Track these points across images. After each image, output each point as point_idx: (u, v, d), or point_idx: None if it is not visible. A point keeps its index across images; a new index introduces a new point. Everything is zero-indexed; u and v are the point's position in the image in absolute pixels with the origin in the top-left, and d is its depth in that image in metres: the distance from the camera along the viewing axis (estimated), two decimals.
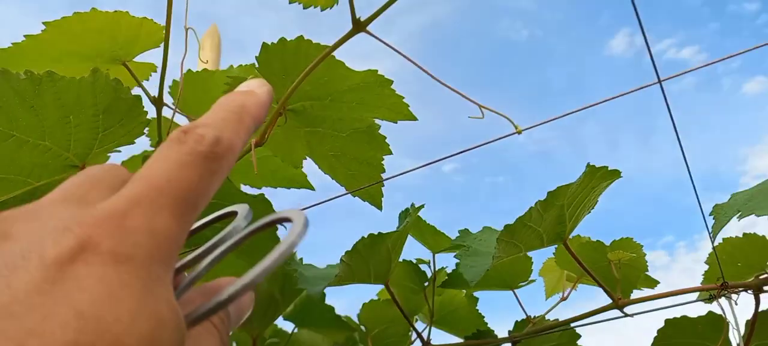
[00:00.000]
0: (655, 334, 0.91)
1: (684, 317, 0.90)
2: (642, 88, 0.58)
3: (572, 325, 0.97)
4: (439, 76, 0.55)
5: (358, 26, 0.45)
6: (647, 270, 0.98)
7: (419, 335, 1.03)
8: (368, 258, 0.92)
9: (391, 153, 0.72)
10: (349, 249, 0.88)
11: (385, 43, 0.44)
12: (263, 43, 0.58)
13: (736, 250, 0.88)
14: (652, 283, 0.99)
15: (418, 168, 0.74)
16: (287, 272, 0.96)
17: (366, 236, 0.89)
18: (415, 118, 0.61)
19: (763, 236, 0.87)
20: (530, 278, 1.08)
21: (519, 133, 0.57)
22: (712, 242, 0.79)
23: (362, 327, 1.14)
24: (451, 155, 0.69)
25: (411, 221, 0.91)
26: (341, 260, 0.89)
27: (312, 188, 0.96)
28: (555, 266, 1.12)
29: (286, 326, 1.14)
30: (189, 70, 0.80)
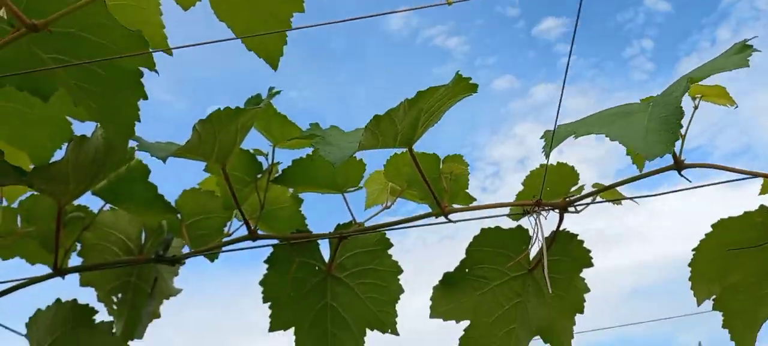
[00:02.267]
0: (471, 240, 1.01)
1: (497, 228, 1.01)
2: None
3: (399, 227, 1.03)
4: None
5: None
6: (467, 188, 1.08)
7: (247, 224, 1.00)
8: (218, 132, 0.86)
9: (303, 10, 0.68)
10: (204, 118, 0.82)
11: None
12: None
13: (548, 175, 1.01)
14: (470, 199, 1.09)
15: None
16: (106, 139, 0.86)
17: (222, 108, 0.84)
18: None
19: (572, 167, 1.02)
20: (359, 185, 1.11)
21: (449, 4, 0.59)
22: (547, 160, 0.89)
23: (178, 215, 1.07)
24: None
25: (267, 102, 0.88)
26: (194, 127, 0.82)
27: (170, 52, 0.86)
28: (380, 177, 1.17)
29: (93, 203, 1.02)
30: None
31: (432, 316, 1.03)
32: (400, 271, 1.12)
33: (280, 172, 1.06)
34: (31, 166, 0.95)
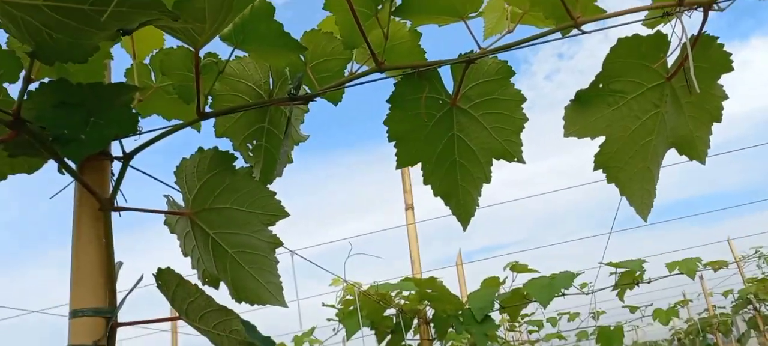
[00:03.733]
0: (608, 52, 0.97)
1: (635, 36, 0.96)
2: None
3: (528, 44, 1.00)
4: None
5: None
6: (597, 0, 1.03)
7: (374, 56, 1.00)
8: None
9: None
10: None
11: None
12: None
13: None
14: (599, 11, 1.04)
15: None
16: None
17: None
18: None
19: None
20: (480, 10, 1.07)
21: None
22: None
23: (301, 57, 1.08)
24: None
25: None
26: None
27: None
28: (499, 4, 1.13)
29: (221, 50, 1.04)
30: None
31: (566, 135, 1.01)
32: (524, 99, 1.10)
33: (399, 2, 1.04)
34: None
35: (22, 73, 0.94)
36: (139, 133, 1.02)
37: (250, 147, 1.16)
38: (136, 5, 0.74)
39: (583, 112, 1.00)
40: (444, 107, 1.10)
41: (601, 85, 0.99)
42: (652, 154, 1.01)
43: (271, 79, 1.10)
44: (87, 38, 0.80)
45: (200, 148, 1.10)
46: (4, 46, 0.93)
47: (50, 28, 0.77)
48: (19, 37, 0.80)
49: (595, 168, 1.01)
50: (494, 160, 1.15)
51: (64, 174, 1.00)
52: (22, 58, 0.94)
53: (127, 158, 1.00)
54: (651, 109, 1.00)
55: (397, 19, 1.08)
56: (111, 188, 1.02)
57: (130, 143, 1.05)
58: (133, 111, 0.97)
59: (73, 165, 0.95)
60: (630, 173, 1.01)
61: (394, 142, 1.14)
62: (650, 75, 0.98)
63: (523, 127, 1.12)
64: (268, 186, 1.12)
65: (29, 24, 0.77)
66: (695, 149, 1.04)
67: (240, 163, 1.10)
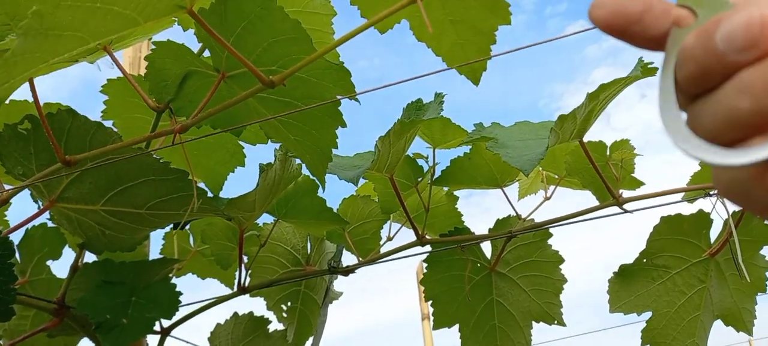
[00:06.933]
0: (651, 230, 0.97)
1: (678, 215, 0.96)
2: None
3: (570, 221, 1.00)
4: None
5: None
6: (634, 172, 1.04)
7: (415, 230, 1.00)
8: (393, 145, 0.86)
9: (510, 23, 0.66)
10: (383, 135, 0.82)
11: None
12: None
13: None
14: (637, 183, 1.05)
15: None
16: (288, 158, 0.87)
17: (398, 123, 0.83)
18: None
19: None
20: (517, 178, 1.08)
21: None
22: None
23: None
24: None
25: (438, 109, 0.86)
26: (375, 145, 0.82)
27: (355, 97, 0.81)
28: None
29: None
30: None
31: (612, 311, 1.00)
32: (562, 260, 1.10)
33: (438, 173, 1.05)
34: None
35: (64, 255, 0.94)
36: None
37: (284, 308, 1.14)
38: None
39: (628, 287, 0.99)
40: (482, 272, 1.09)
41: (644, 260, 0.99)
42: (699, 330, 1.00)
43: (309, 244, 1.10)
44: (139, 233, 0.80)
45: (235, 314, 1.09)
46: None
47: (104, 226, 0.77)
48: (71, 230, 0.80)
49: (643, 344, 1.00)
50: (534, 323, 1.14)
51: None
52: (67, 238, 0.94)
53: (164, 333, 0.98)
54: (697, 285, 0.99)
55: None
56: None
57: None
58: (174, 284, 0.96)
59: None
60: None
61: (430, 302, 1.13)
62: (694, 251, 0.98)
63: (562, 289, 1.11)
64: None
65: (83, 222, 0.77)
66: (741, 321, 1.02)
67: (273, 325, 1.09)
